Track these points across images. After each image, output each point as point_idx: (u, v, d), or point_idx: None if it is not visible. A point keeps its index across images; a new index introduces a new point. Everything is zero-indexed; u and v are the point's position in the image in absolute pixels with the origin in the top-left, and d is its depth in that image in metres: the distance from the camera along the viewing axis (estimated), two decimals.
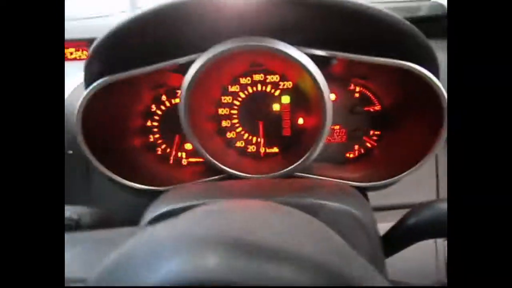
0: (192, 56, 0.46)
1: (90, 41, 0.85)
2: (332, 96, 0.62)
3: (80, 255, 0.23)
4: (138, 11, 0.42)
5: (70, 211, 0.36)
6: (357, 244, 0.34)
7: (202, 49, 0.48)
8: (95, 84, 0.46)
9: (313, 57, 0.45)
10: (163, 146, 0.66)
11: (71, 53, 0.86)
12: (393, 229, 0.36)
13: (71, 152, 0.57)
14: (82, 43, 0.85)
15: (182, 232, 0.21)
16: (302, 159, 0.54)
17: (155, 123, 0.65)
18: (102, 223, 0.38)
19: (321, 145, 0.52)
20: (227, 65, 0.53)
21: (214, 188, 0.44)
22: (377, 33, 0.42)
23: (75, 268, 0.21)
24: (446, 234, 0.33)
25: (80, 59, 0.87)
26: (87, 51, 0.87)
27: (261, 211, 0.25)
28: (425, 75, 0.44)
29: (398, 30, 0.41)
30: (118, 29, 0.43)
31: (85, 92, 0.47)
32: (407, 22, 0.40)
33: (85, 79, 0.48)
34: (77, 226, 0.35)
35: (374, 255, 0.34)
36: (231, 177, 0.56)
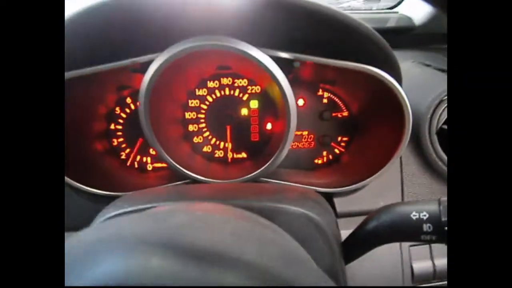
0: (152, 56, 0.45)
1: None
2: (301, 102, 0.62)
3: None
4: (93, 3, 0.40)
5: None
6: (316, 249, 0.33)
7: (163, 49, 0.46)
8: None
9: (278, 60, 0.44)
10: (127, 151, 0.63)
11: None
12: (353, 234, 0.36)
13: None
14: None
15: (112, 234, 0.19)
16: (266, 165, 0.53)
17: (119, 127, 0.63)
18: None
19: (285, 150, 0.51)
20: (192, 66, 0.52)
21: (173, 192, 0.42)
22: (343, 37, 0.42)
23: None
24: (404, 238, 0.32)
25: None
26: None
27: (208, 213, 0.24)
28: (386, 79, 0.45)
29: (362, 35, 0.41)
30: (68, 21, 0.41)
31: None
32: (371, 29, 0.40)
33: None
34: None
35: (334, 260, 0.33)
36: (197, 182, 0.54)
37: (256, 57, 0.42)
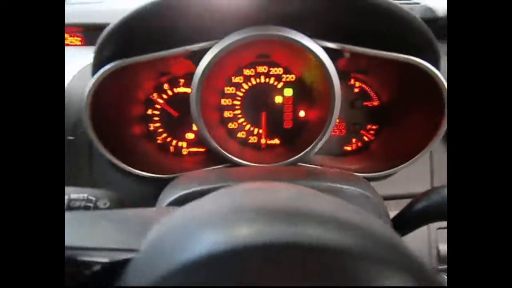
0: (205, 44, 0.47)
1: (84, 26, 0.83)
2: None
3: (112, 230, 0.23)
4: None
5: (88, 193, 0.36)
6: None
7: (214, 37, 0.48)
8: (108, 67, 0.46)
9: (327, 50, 0.46)
10: (164, 135, 0.66)
11: (65, 39, 0.83)
12: (401, 213, 0.38)
13: (71, 137, 0.56)
14: (76, 29, 0.83)
15: (222, 205, 0.21)
16: (306, 150, 0.55)
17: (156, 112, 0.65)
18: (118, 205, 0.37)
19: (326, 136, 0.53)
20: (235, 55, 0.53)
21: (225, 174, 0.44)
22: (390, 27, 0.44)
23: (117, 239, 0.22)
24: None
25: (74, 45, 0.85)
26: (81, 38, 0.84)
27: (292, 189, 0.26)
28: (431, 71, 0.47)
29: (411, 25, 0.42)
30: (135, 13, 0.43)
31: (96, 76, 0.46)
32: (419, 19, 0.42)
33: (95, 63, 0.47)
34: (95, 207, 0.35)
35: None
36: (234, 166, 0.56)
37: (313, 49, 0.44)
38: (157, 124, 0.65)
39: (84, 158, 0.55)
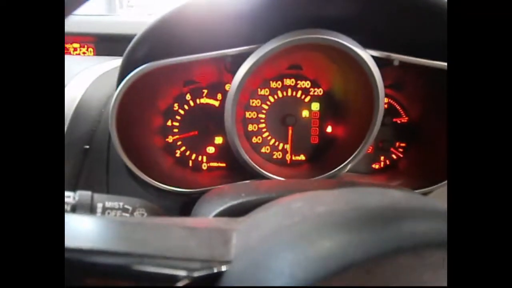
0: (244, 48, 0.44)
1: (95, 36, 0.81)
2: None
3: (188, 239, 0.19)
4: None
5: (124, 201, 0.31)
6: None
7: (251, 43, 0.46)
8: (140, 68, 0.43)
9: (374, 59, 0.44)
10: (183, 149, 0.62)
11: (75, 49, 0.80)
12: None
13: (87, 146, 0.52)
14: (88, 39, 0.80)
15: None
16: (339, 167, 0.52)
17: (176, 123, 0.61)
18: (153, 215, 0.33)
19: (362, 153, 0.51)
20: (269, 63, 0.51)
21: (265, 186, 0.41)
22: (441, 33, 0.42)
23: (200, 250, 0.18)
24: None
25: (83, 55, 0.82)
26: (92, 48, 0.82)
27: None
28: None
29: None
30: (171, 14, 0.40)
31: (127, 78, 0.43)
32: None
33: (124, 67, 0.44)
34: (131, 216, 0.31)
35: None
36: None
37: (361, 55, 0.42)
38: (176, 137, 0.61)
39: (100, 167, 0.51)
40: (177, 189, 0.51)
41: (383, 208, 0.19)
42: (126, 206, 0.31)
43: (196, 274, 0.16)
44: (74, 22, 0.80)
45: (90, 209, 0.29)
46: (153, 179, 0.51)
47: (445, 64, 0.44)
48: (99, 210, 0.30)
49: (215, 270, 0.16)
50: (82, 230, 0.18)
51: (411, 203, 0.21)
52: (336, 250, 0.15)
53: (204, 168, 0.63)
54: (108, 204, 0.30)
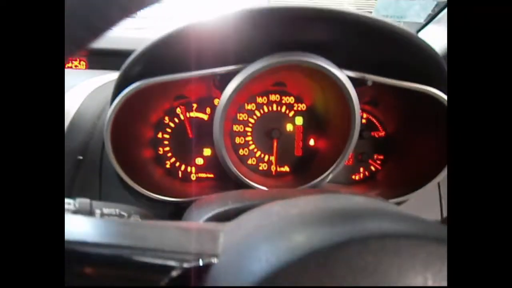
0: (233, 67, 0.48)
1: (87, 50, 0.83)
2: None
3: (177, 236, 0.22)
4: (191, 21, 0.43)
5: (120, 208, 0.34)
6: None
7: (238, 62, 0.50)
8: (136, 84, 0.46)
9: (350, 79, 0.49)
10: (172, 160, 0.64)
11: (67, 62, 0.83)
12: None
13: (81, 157, 0.54)
14: (81, 53, 0.83)
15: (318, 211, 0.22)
16: (320, 177, 0.56)
17: (166, 136, 0.64)
18: (147, 220, 0.36)
19: (341, 165, 0.54)
20: (255, 80, 0.55)
21: (251, 195, 0.44)
22: (408, 57, 0.47)
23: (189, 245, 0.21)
24: None
25: (75, 68, 0.84)
26: (84, 61, 0.84)
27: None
28: (445, 100, 0.50)
29: (426, 55, 0.46)
30: (167, 35, 0.44)
31: (122, 94, 0.46)
32: (433, 48, 0.46)
33: (120, 83, 0.47)
34: None
35: None
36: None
37: (338, 76, 0.47)
38: (167, 148, 0.64)
39: (94, 176, 0.53)
40: (167, 199, 0.54)
41: (343, 209, 0.23)
42: (122, 213, 0.34)
43: (187, 265, 0.19)
44: None
45: (89, 215, 0.32)
46: (145, 189, 0.54)
47: (413, 84, 0.49)
48: (97, 216, 0.32)
49: (205, 262, 0.19)
50: (84, 228, 0.20)
51: (367, 205, 0.25)
52: (302, 240, 0.19)
53: (193, 178, 0.65)
54: (106, 210, 0.33)
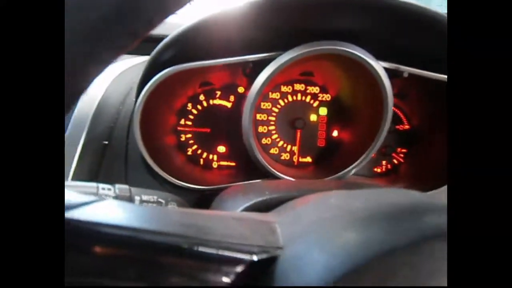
0: (265, 55, 0.47)
1: None
2: None
3: (237, 228, 0.22)
4: (222, 8, 0.42)
5: (157, 195, 0.34)
6: None
7: (271, 51, 0.49)
8: (167, 70, 0.45)
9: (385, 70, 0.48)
10: (194, 147, 0.64)
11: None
12: None
13: (106, 142, 0.54)
14: None
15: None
16: (347, 169, 0.56)
17: (189, 122, 0.63)
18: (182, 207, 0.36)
19: (369, 157, 0.54)
20: (285, 70, 0.54)
21: (284, 186, 0.44)
22: (443, 46, 0.45)
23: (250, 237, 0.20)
24: None
25: None
26: None
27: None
28: None
29: None
30: (199, 21, 0.43)
31: (153, 80, 0.45)
32: None
33: (149, 69, 0.46)
34: None
35: None
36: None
37: (375, 67, 0.45)
38: (189, 135, 0.64)
39: (119, 161, 0.53)
40: (193, 186, 0.54)
41: (407, 206, 0.23)
42: (159, 200, 0.34)
43: (256, 257, 0.19)
44: None
45: (129, 201, 0.32)
46: (169, 175, 0.54)
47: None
48: (136, 202, 0.32)
49: (272, 254, 0.19)
50: (148, 216, 0.20)
51: (427, 202, 0.24)
52: (375, 237, 0.18)
53: (215, 166, 0.65)
54: (145, 197, 0.33)
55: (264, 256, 0.19)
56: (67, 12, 0.16)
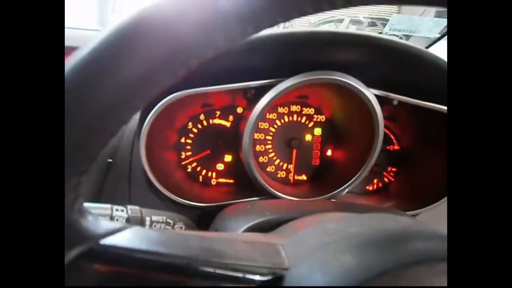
0: (266, 81, 0.50)
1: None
2: None
3: (244, 249, 0.24)
4: None
5: (166, 216, 0.36)
6: None
7: (271, 77, 0.52)
8: (173, 96, 0.48)
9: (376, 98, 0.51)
10: (194, 164, 0.66)
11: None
12: None
13: (110, 160, 0.56)
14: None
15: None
16: (341, 188, 0.59)
17: (189, 141, 0.66)
18: (190, 228, 0.38)
19: (362, 176, 0.57)
20: (283, 95, 0.57)
21: (284, 206, 0.46)
22: (431, 78, 0.49)
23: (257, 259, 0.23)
24: None
25: None
26: None
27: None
28: None
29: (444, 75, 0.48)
30: None
31: (160, 104, 0.48)
32: None
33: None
34: (173, 228, 0.36)
35: None
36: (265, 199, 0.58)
37: (367, 95, 0.49)
38: (189, 153, 0.66)
39: (123, 180, 0.55)
40: (193, 203, 0.56)
41: (397, 231, 0.25)
42: (168, 220, 0.36)
43: (265, 278, 0.21)
44: (70, 36, 0.84)
45: (141, 222, 0.34)
46: (170, 192, 0.56)
47: (436, 105, 0.52)
48: (147, 222, 0.34)
49: (279, 275, 0.22)
50: (163, 240, 0.22)
51: (416, 227, 0.27)
52: (369, 261, 0.21)
53: (213, 183, 0.67)
54: (154, 218, 0.35)
55: (272, 277, 0.21)
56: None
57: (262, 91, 0.51)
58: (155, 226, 0.35)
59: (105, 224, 0.19)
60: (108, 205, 0.33)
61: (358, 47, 0.47)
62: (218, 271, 0.21)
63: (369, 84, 0.52)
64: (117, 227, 0.20)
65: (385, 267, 0.20)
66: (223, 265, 0.21)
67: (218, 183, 0.68)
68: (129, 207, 0.34)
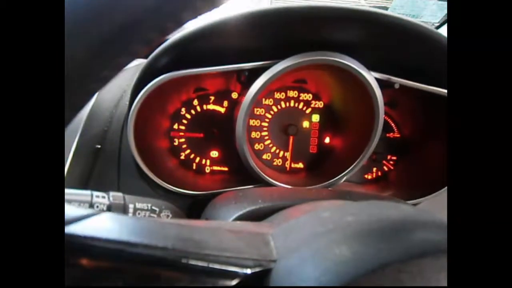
0: (260, 63, 0.48)
1: None
2: None
3: (231, 240, 0.22)
4: (220, 17, 0.43)
5: (151, 203, 0.34)
6: None
7: (266, 59, 0.49)
8: (162, 77, 0.45)
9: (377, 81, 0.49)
10: (187, 152, 0.64)
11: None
12: None
13: (99, 146, 0.53)
14: None
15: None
16: (339, 176, 0.56)
17: (182, 127, 0.63)
18: (177, 216, 0.36)
19: (361, 164, 0.55)
20: (279, 78, 0.55)
21: (278, 194, 0.44)
22: (434, 60, 0.47)
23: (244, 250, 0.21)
24: None
25: None
26: None
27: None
28: None
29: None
30: (194, 31, 0.43)
31: (149, 86, 0.45)
32: None
33: (145, 74, 0.46)
34: (158, 216, 0.34)
35: None
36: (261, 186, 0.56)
37: (367, 78, 0.46)
38: (182, 140, 0.64)
39: (112, 166, 0.53)
40: (186, 191, 0.54)
41: (398, 221, 0.23)
42: (153, 208, 0.34)
43: (250, 271, 0.19)
44: None
45: (123, 209, 0.32)
46: (162, 180, 0.54)
47: (440, 89, 0.49)
48: (130, 210, 0.32)
49: (266, 267, 0.19)
50: (142, 228, 0.20)
51: (419, 217, 0.25)
52: (367, 253, 0.19)
53: (207, 171, 0.65)
54: (138, 205, 0.33)
55: (258, 269, 0.19)
56: (67, 31, 0.16)
57: (256, 73, 0.48)
58: (138, 214, 0.33)
59: (68, 210, 0.17)
60: (88, 192, 0.31)
61: (361, 24, 0.44)
62: (196, 262, 0.19)
63: (369, 67, 0.49)
64: (83, 213, 0.18)
65: (385, 260, 0.18)
66: (202, 256, 0.19)
67: (212, 171, 0.65)
68: (111, 193, 0.32)
